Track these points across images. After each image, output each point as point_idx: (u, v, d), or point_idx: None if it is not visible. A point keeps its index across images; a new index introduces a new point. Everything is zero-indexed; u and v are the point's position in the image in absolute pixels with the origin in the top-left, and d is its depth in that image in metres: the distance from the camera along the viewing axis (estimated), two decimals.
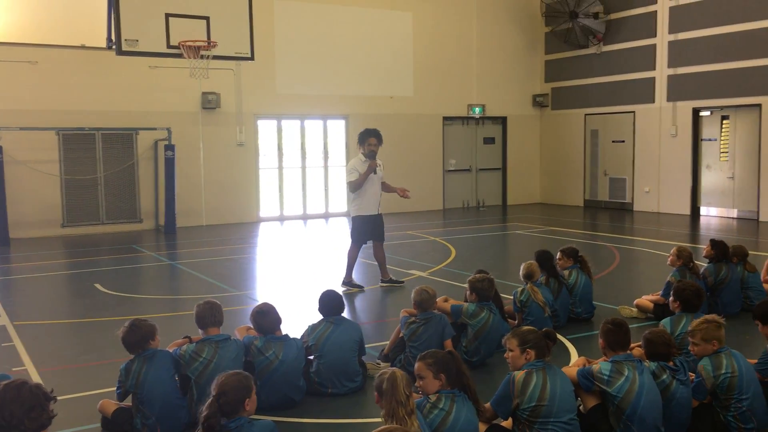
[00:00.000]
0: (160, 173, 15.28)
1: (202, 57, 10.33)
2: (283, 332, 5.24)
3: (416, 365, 3.97)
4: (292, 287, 9.55)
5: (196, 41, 10.20)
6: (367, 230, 8.97)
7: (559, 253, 7.43)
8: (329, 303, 5.52)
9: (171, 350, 4.88)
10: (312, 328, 5.44)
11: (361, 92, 17.73)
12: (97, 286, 9.51)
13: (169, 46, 10.17)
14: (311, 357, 5.37)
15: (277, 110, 16.88)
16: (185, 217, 15.53)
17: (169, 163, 14.64)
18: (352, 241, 9.04)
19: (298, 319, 6.78)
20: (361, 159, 8.88)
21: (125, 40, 9.61)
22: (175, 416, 4.61)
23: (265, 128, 17.07)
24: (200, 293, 8.75)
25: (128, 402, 4.66)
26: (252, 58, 11.25)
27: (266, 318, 5.14)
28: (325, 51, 17.16)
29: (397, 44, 18.16)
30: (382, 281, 9.18)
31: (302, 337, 5.41)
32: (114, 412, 4.60)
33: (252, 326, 5.29)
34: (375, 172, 8.83)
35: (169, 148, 14.64)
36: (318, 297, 5.59)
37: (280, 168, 17.33)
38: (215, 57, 10.61)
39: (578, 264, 7.31)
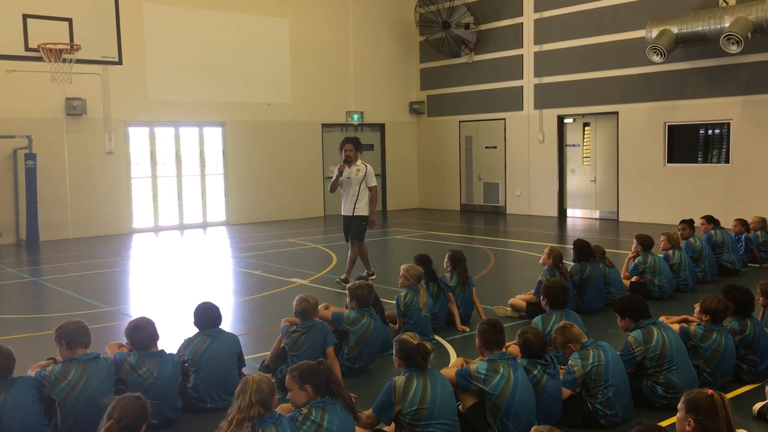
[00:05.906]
0: (20, 184, 14.29)
1: (64, 60, 9.86)
2: (159, 348, 5.03)
3: (286, 378, 3.95)
4: (168, 301, 9.20)
5: (57, 44, 9.72)
6: (343, 228, 9.80)
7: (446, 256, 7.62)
8: (205, 315, 5.36)
9: (33, 372, 4.57)
10: (188, 342, 5.26)
11: (238, 99, 17.42)
12: None
13: (27, 49, 9.68)
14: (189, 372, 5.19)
15: (150, 117, 16.25)
16: (50, 231, 14.62)
17: (31, 173, 13.72)
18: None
19: (175, 334, 6.53)
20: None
21: None
22: None
23: (137, 136, 16.39)
24: (68, 311, 8.27)
25: None
26: (120, 63, 10.89)
27: (142, 333, 4.93)
28: (200, 57, 16.72)
29: (274, 50, 18.00)
30: (342, 280, 9.47)
31: (178, 351, 5.22)
32: None
33: (125, 342, 5.05)
34: (343, 175, 9.52)
35: (30, 157, 13.72)
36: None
37: (154, 177, 16.69)
38: (79, 61, 10.18)
39: (456, 269, 7.46)
